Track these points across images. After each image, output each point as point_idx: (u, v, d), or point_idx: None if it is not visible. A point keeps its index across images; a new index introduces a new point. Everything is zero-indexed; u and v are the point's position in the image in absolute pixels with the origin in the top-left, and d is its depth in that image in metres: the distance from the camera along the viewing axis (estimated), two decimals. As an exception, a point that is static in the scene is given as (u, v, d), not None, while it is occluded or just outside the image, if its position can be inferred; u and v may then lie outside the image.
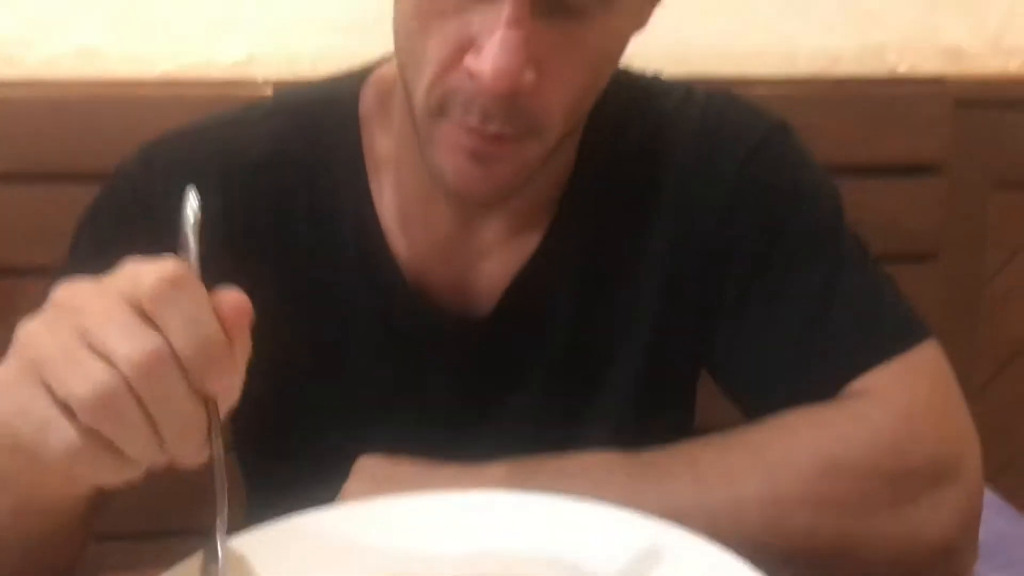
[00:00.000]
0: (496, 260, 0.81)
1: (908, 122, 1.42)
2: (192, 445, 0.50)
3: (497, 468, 0.73)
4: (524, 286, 0.81)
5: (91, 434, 0.48)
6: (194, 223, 0.54)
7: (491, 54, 0.63)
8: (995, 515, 1.21)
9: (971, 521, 0.72)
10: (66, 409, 0.48)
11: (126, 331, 0.48)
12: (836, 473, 0.70)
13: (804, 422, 0.73)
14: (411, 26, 0.68)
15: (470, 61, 0.65)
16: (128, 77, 1.34)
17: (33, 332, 0.50)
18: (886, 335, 0.77)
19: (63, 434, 0.48)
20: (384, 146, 0.82)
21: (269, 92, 1.30)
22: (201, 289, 0.51)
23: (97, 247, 0.80)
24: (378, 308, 0.81)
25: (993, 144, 1.49)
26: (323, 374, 0.82)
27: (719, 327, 0.81)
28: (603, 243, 0.82)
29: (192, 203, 0.54)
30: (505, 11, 0.63)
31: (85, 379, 0.47)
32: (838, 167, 0.87)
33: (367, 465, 0.72)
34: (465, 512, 0.67)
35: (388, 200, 0.81)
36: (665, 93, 0.85)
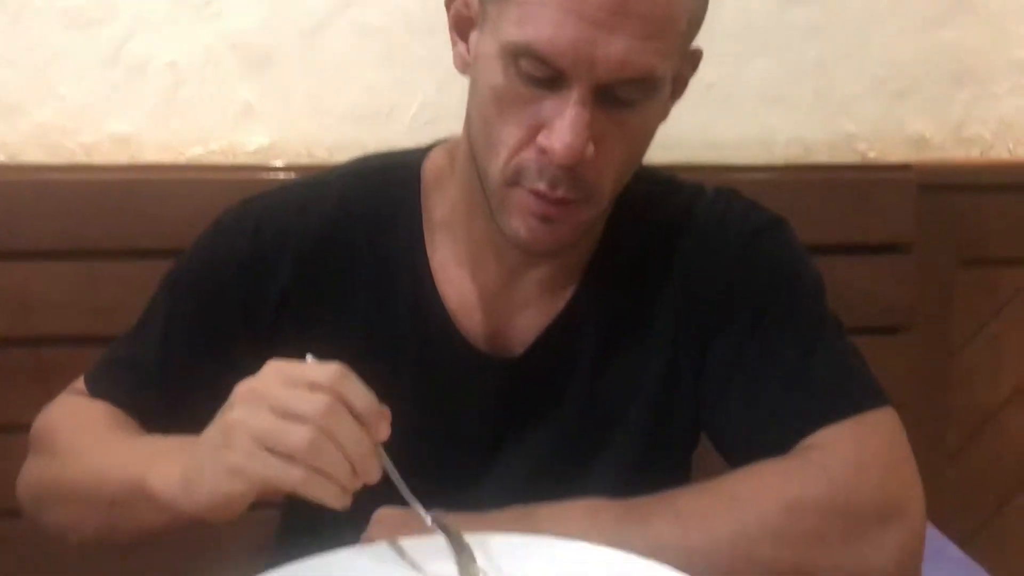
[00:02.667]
0: (530, 313, 0.94)
1: (877, 205, 1.52)
2: (372, 468, 0.72)
3: (496, 515, 0.83)
4: (552, 337, 0.93)
5: (311, 470, 0.69)
6: None
7: (561, 133, 0.78)
8: (965, 573, 1.28)
9: (913, 557, 0.81)
10: (290, 459, 0.69)
11: (305, 399, 0.70)
12: (795, 511, 0.79)
13: (770, 470, 0.83)
14: (489, 113, 0.82)
15: (542, 139, 0.79)
16: (159, 162, 1.46)
17: (240, 417, 0.71)
18: (846, 398, 0.87)
19: (296, 474, 0.69)
20: (440, 210, 0.95)
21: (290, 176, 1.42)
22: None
23: (193, 284, 0.97)
24: (422, 348, 0.93)
25: (956, 225, 1.59)
26: None
27: (710, 389, 0.92)
28: (621, 308, 0.94)
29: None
30: (572, 100, 0.77)
31: (295, 436, 0.69)
32: (813, 247, 0.98)
33: (385, 515, 0.82)
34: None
35: (440, 257, 0.94)
36: (680, 188, 0.99)
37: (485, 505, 0.84)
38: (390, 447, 0.74)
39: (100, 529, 0.87)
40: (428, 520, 0.77)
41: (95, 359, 1.00)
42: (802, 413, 0.85)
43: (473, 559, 0.75)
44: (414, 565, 0.76)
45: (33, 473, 0.94)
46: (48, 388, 1.01)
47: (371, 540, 0.80)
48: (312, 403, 0.69)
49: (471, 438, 0.94)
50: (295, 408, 0.69)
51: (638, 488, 0.84)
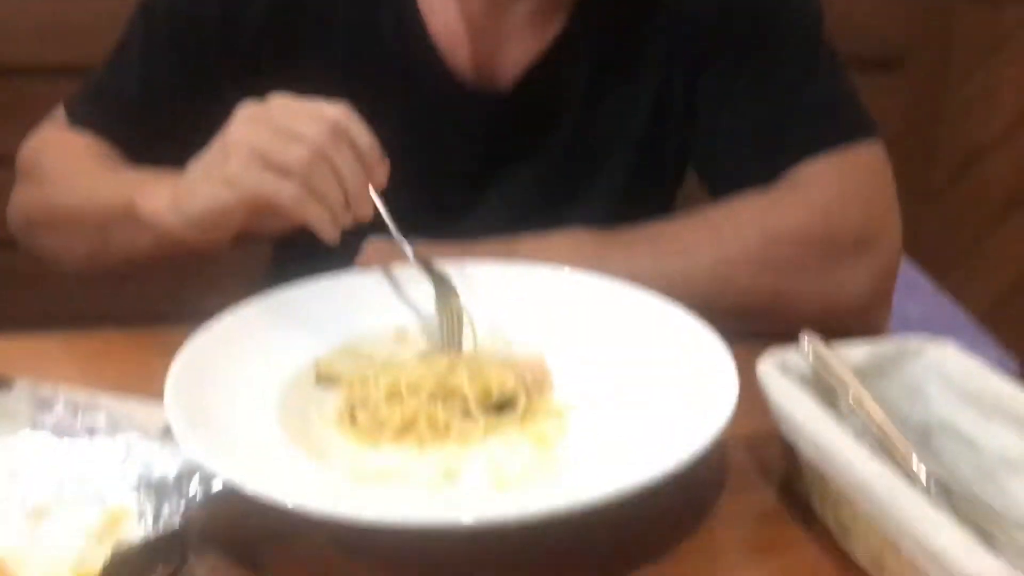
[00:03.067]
0: (519, 44, 0.90)
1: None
2: (365, 201, 0.73)
3: (485, 244, 0.84)
4: (541, 71, 0.90)
5: (305, 188, 0.70)
6: None
7: None
8: (936, 303, 1.33)
9: (885, 285, 0.83)
10: (286, 175, 0.70)
11: (309, 123, 0.70)
12: (774, 240, 0.81)
13: (752, 201, 0.84)
14: None
15: None
16: None
17: (241, 133, 0.72)
18: (834, 129, 0.86)
19: (290, 190, 0.70)
20: None
21: None
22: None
23: (168, 11, 0.92)
24: (410, 82, 0.91)
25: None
26: None
27: (700, 118, 0.91)
28: (613, 38, 0.91)
29: None
30: None
31: (294, 153, 0.69)
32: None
33: (375, 244, 0.83)
34: (453, 275, 0.78)
35: None
36: None
37: (472, 238, 0.85)
38: None
39: (90, 252, 0.89)
40: (411, 255, 0.78)
41: (73, 89, 0.98)
42: (789, 143, 0.85)
43: (455, 292, 0.77)
44: (398, 290, 0.79)
45: (22, 200, 0.95)
46: (26, 119, 1.00)
47: (361, 267, 0.82)
48: (314, 127, 0.70)
49: (458, 172, 0.94)
50: (297, 129, 0.70)
51: (622, 222, 0.85)
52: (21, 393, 0.62)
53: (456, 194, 0.94)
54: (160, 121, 0.92)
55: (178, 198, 0.75)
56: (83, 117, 0.94)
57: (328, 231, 0.72)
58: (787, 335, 0.65)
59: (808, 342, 0.63)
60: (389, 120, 0.86)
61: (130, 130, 0.93)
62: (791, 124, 0.86)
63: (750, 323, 0.77)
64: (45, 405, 0.62)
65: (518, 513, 0.53)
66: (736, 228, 0.82)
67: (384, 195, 0.76)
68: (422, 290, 0.78)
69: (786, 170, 0.84)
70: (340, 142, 0.71)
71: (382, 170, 0.74)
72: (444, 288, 0.77)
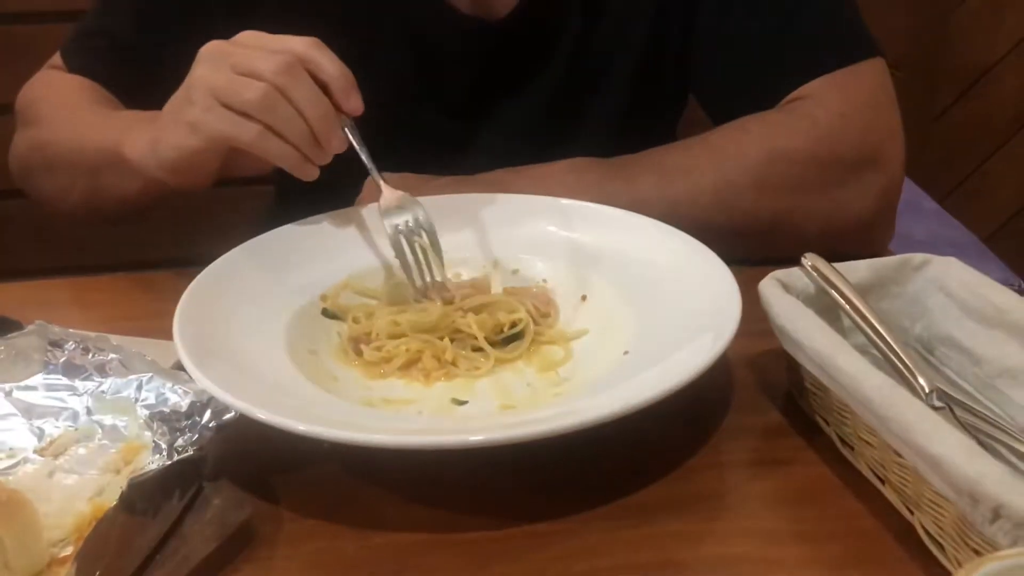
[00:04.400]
0: None
1: None
2: (332, 133, 0.71)
3: (484, 176, 0.84)
4: None
5: (266, 128, 0.69)
6: None
7: None
8: (939, 224, 1.33)
9: (889, 203, 0.83)
10: (245, 116, 0.69)
11: (263, 58, 0.69)
12: (777, 160, 0.80)
13: (755, 122, 0.83)
14: None
15: None
16: None
17: (201, 75, 0.71)
18: (835, 50, 0.85)
19: (250, 130, 0.69)
20: None
21: None
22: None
23: None
24: (405, 15, 0.89)
25: None
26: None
27: (698, 42, 0.90)
28: None
29: None
30: None
31: (249, 92, 0.69)
32: None
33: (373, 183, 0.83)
34: (456, 208, 0.78)
35: None
36: None
37: (474, 170, 0.85)
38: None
39: (84, 196, 0.89)
40: (383, 185, 0.76)
41: (68, 34, 0.97)
42: (790, 66, 0.84)
43: (420, 229, 0.74)
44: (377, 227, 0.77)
45: (20, 144, 0.95)
46: (24, 66, 0.99)
47: (363, 203, 0.82)
48: (270, 62, 0.69)
49: (457, 103, 0.93)
50: (253, 66, 0.69)
51: (624, 152, 0.84)
52: (32, 335, 0.63)
53: (455, 126, 0.93)
54: (157, 63, 0.92)
55: (155, 143, 0.75)
56: (78, 61, 0.94)
57: (297, 167, 0.71)
58: (790, 262, 0.65)
59: (810, 260, 0.63)
60: (386, 51, 0.85)
61: (125, 72, 0.92)
62: (792, 46, 0.85)
63: (754, 246, 0.77)
64: (56, 346, 0.63)
65: (526, 433, 0.53)
66: (738, 149, 0.81)
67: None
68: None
69: (788, 92, 0.84)
70: (297, 75, 0.69)
71: (354, 98, 0.72)
72: (410, 226, 0.74)
